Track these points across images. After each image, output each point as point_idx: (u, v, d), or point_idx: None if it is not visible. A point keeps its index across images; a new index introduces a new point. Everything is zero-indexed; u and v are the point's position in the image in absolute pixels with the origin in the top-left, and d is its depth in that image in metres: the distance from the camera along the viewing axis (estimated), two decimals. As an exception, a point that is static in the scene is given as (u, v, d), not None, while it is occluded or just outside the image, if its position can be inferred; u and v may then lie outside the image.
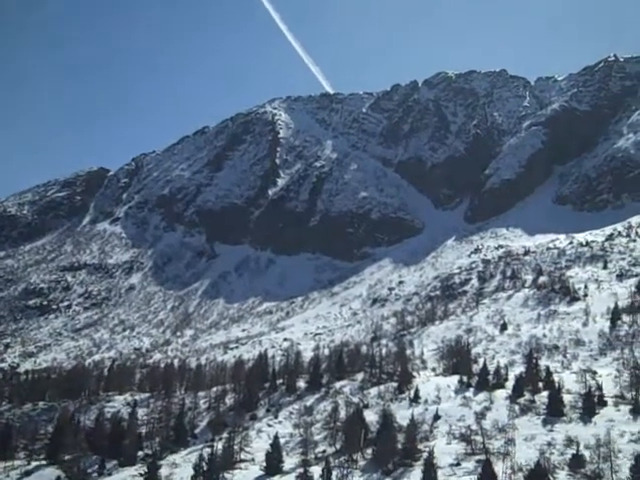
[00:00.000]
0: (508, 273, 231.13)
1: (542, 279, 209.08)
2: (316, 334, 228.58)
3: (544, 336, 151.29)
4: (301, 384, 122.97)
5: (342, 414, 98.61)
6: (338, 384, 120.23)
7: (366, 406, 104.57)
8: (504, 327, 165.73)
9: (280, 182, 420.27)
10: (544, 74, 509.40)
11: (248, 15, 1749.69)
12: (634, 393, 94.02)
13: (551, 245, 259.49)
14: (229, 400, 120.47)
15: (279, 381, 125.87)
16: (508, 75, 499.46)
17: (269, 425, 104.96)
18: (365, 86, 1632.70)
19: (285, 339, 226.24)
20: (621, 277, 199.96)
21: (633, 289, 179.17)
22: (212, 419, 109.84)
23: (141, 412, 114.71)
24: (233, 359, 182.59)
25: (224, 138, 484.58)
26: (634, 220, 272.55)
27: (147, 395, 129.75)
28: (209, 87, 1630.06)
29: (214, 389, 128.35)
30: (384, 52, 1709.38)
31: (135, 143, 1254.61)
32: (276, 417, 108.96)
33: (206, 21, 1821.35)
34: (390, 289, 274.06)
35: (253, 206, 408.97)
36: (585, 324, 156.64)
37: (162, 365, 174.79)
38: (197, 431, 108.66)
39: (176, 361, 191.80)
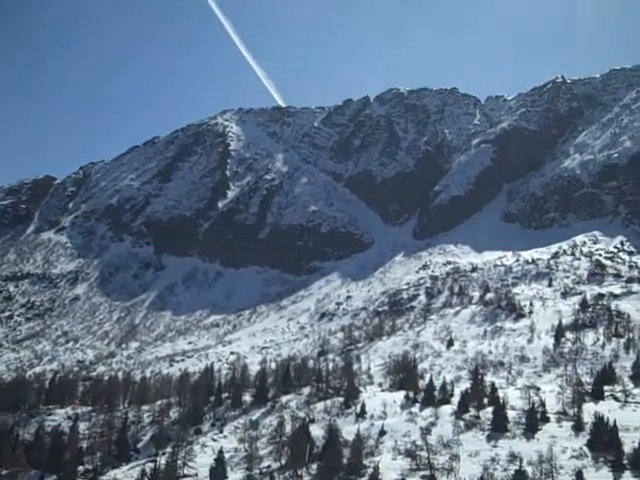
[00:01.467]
0: (456, 289, 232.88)
1: (489, 296, 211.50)
2: (263, 348, 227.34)
3: (490, 352, 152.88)
4: (247, 398, 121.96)
5: (288, 429, 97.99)
6: (284, 398, 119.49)
7: (312, 421, 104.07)
8: (451, 343, 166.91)
9: (230, 194, 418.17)
10: (494, 93, 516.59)
11: (202, 26, 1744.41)
12: (576, 409, 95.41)
13: (498, 262, 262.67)
14: (174, 414, 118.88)
15: (225, 395, 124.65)
16: (459, 93, 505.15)
17: (214, 439, 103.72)
18: (317, 100, 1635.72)
19: (232, 352, 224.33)
20: (565, 295, 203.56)
21: (577, 307, 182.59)
22: (156, 433, 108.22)
23: (83, 426, 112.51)
24: (179, 372, 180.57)
25: (174, 149, 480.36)
26: (579, 239, 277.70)
27: (89, 409, 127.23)
28: (160, 97, 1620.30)
29: (158, 403, 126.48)
30: (337, 67, 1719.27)
31: (83, 152, 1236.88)
32: (221, 431, 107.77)
33: (158, 31, 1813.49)
34: (338, 304, 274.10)
35: (202, 218, 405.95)
36: (530, 341, 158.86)
37: (106, 378, 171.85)
38: (140, 445, 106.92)
39: (120, 374, 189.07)
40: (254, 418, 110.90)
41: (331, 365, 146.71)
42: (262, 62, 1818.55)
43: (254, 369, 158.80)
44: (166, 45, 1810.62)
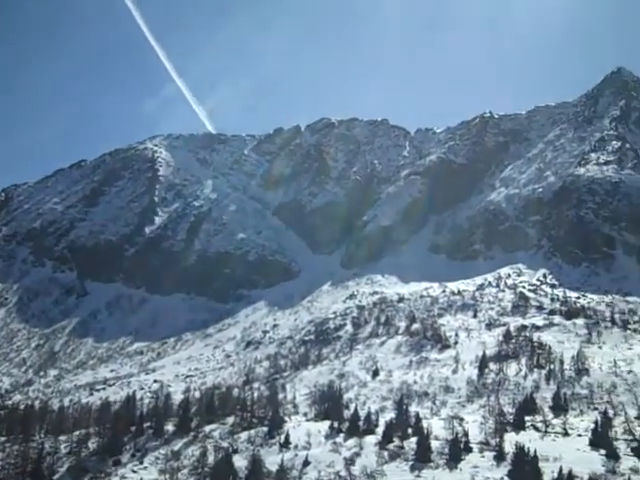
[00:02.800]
0: (382, 319, 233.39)
1: (415, 326, 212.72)
2: (187, 376, 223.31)
3: (415, 382, 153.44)
4: (169, 428, 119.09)
5: (210, 459, 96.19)
6: (208, 428, 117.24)
7: (235, 451, 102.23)
8: (376, 373, 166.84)
9: (157, 220, 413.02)
10: (423, 126, 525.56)
11: (134, 51, 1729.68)
12: (498, 439, 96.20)
13: (425, 293, 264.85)
14: (92, 444, 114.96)
15: (147, 424, 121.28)
16: (389, 124, 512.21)
17: (133, 471, 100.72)
18: (248, 128, 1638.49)
19: (155, 381, 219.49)
20: (490, 326, 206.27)
21: (500, 338, 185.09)
22: (72, 465, 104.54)
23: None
24: (99, 401, 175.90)
25: (101, 173, 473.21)
26: (503, 271, 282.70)
27: (3, 439, 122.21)
28: (88, 121, 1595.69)
29: (77, 433, 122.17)
30: (268, 95, 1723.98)
31: (5, 174, 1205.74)
32: (141, 462, 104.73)
33: (88, 52, 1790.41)
34: (264, 332, 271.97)
35: (128, 243, 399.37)
36: (455, 371, 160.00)
37: (22, 407, 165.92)
38: (56, 477, 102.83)
39: (37, 402, 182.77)
40: (176, 448, 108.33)
41: (256, 394, 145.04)
42: (194, 89, 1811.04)
43: (178, 398, 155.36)
44: (96, 68, 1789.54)
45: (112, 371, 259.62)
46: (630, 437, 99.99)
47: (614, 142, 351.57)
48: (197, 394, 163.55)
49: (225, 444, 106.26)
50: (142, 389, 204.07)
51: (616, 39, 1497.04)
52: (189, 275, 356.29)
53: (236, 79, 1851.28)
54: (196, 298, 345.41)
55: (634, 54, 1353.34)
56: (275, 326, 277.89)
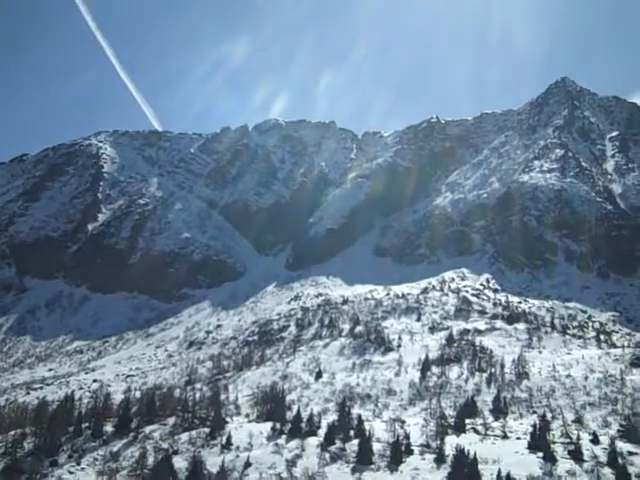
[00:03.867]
0: (326, 321, 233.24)
1: (359, 329, 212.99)
2: (128, 376, 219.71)
3: (358, 385, 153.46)
4: (109, 428, 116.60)
5: (150, 460, 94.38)
6: (148, 429, 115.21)
7: (176, 452, 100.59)
8: (319, 375, 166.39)
9: (101, 217, 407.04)
10: (371, 129, 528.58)
11: (81, 47, 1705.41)
12: (439, 442, 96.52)
13: (369, 296, 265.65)
14: (28, 445, 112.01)
15: (85, 425, 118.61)
16: (337, 127, 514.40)
17: (70, 472, 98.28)
18: (195, 127, 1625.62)
19: (95, 380, 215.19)
20: (433, 330, 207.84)
21: (443, 342, 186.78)
22: (7, 465, 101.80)
23: None
24: (36, 400, 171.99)
25: (44, 168, 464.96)
26: (447, 275, 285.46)
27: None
28: (31, 114, 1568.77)
29: (12, 433, 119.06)
30: (215, 95, 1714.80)
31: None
32: (79, 463, 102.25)
33: (33, 46, 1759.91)
34: (208, 332, 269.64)
35: (70, 240, 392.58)
36: (397, 374, 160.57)
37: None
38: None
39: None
40: (115, 449, 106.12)
41: (198, 395, 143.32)
42: (141, 86, 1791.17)
43: (118, 398, 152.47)
44: (41, 61, 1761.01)
45: (50, 370, 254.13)
46: (567, 440, 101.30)
47: (557, 150, 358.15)
48: (138, 394, 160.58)
49: (165, 445, 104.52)
50: (81, 389, 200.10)
51: (562, 50, 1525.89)
52: (132, 274, 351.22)
53: (184, 76, 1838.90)
54: (139, 297, 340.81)
55: (578, 64, 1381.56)
56: (219, 326, 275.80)
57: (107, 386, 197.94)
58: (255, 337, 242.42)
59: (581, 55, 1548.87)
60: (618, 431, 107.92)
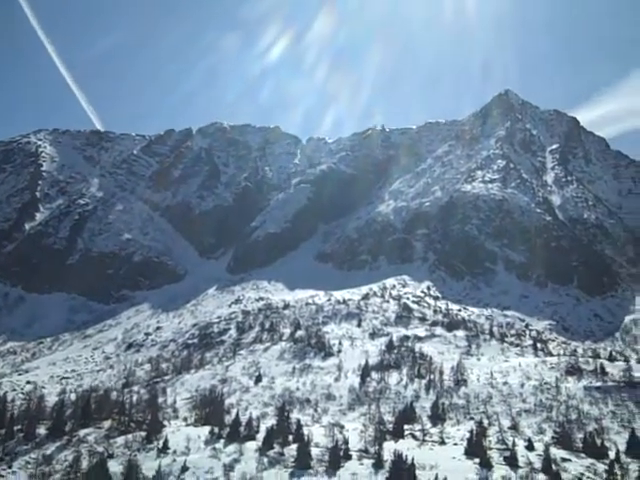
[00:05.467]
0: (267, 325, 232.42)
1: (299, 333, 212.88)
2: (64, 378, 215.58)
3: (297, 389, 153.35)
4: (42, 431, 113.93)
5: (84, 464, 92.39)
6: (83, 432, 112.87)
7: (111, 456, 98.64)
8: (259, 379, 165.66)
9: (39, 216, 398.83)
10: (315, 135, 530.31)
11: (20, 42, 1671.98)
12: (377, 447, 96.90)
13: (310, 301, 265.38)
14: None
15: (17, 427, 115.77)
16: (281, 132, 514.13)
17: (1, 475, 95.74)
18: (139, 128, 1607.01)
19: (28, 382, 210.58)
20: (373, 335, 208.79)
21: (383, 347, 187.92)
22: None
23: None
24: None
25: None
26: (388, 282, 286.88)
27: None
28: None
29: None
30: (161, 96, 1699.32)
31: None
32: (10, 467, 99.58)
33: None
34: (147, 334, 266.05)
35: (7, 239, 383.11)
36: (337, 379, 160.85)
37: None
38: None
39: None
40: (48, 452, 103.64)
41: (135, 398, 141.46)
42: (83, 84, 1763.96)
43: (52, 400, 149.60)
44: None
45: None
46: (503, 446, 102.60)
47: (499, 161, 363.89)
48: (73, 397, 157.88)
49: (100, 449, 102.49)
50: (14, 390, 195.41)
51: (505, 63, 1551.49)
52: (70, 274, 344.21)
53: (128, 77, 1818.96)
54: (77, 298, 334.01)
55: (521, 77, 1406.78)
56: (158, 328, 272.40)
57: (41, 388, 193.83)
58: (195, 340, 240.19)
59: (524, 69, 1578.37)
60: (552, 438, 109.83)
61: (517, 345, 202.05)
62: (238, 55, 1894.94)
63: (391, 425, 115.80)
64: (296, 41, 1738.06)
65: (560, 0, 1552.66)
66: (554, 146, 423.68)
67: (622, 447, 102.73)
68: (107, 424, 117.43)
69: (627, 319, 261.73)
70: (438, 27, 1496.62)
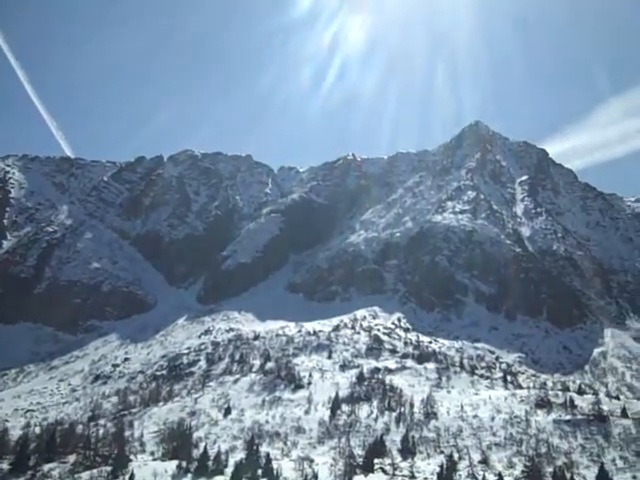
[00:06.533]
0: (237, 357, 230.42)
1: (269, 365, 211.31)
2: (28, 410, 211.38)
3: (267, 422, 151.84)
4: (4, 466, 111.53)
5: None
6: (47, 467, 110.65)
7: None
8: (228, 411, 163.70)
9: (6, 244, 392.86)
10: (287, 164, 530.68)
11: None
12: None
13: (281, 332, 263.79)
14: None
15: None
16: (253, 161, 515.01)
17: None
18: (109, 155, 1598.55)
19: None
20: (344, 367, 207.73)
21: (354, 380, 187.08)
22: None
23: None
24: None
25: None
26: (359, 313, 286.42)
27: None
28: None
29: None
30: (131, 123, 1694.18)
31: None
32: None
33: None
34: (115, 365, 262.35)
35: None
36: (307, 412, 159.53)
37: None
38: None
39: None
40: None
41: (102, 431, 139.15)
42: (53, 110, 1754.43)
43: (16, 434, 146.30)
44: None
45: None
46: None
47: (470, 192, 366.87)
48: (37, 430, 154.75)
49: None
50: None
51: (475, 94, 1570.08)
52: (37, 304, 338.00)
53: (98, 103, 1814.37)
54: (43, 328, 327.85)
55: (491, 108, 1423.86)
56: (126, 360, 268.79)
57: (4, 422, 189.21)
58: (164, 371, 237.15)
59: (494, 100, 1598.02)
60: (522, 472, 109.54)
61: (487, 378, 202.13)
62: (210, 85, 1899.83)
63: (361, 459, 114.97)
64: (264, 73, 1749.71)
65: (530, 32, 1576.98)
66: (524, 177, 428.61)
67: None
68: (72, 458, 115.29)
69: (595, 352, 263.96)
70: (409, 56, 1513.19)
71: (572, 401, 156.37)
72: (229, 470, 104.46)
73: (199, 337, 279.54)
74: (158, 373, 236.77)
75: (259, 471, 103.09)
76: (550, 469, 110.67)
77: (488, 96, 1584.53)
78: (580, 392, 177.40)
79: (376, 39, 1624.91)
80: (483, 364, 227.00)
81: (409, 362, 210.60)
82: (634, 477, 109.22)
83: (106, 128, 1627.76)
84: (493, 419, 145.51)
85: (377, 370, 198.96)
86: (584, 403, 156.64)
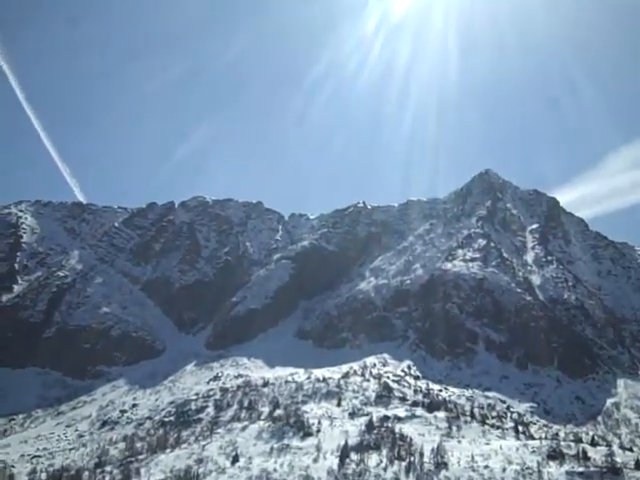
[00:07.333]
0: (245, 403, 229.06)
1: (278, 412, 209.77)
2: (35, 456, 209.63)
3: (275, 470, 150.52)
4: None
5: None
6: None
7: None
8: (236, 459, 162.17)
9: (17, 288, 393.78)
10: (298, 211, 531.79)
11: (4, 112, 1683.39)
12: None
13: (290, 378, 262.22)
14: None
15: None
16: (264, 207, 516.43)
17: None
18: (121, 201, 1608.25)
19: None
20: (353, 415, 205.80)
21: (363, 428, 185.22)
22: None
23: None
24: None
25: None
26: (369, 360, 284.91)
27: None
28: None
29: None
30: (143, 169, 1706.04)
31: None
32: None
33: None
34: (122, 411, 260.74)
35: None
36: (316, 460, 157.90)
37: None
38: None
39: None
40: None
41: (108, 478, 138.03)
42: (66, 154, 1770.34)
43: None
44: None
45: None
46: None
47: (480, 240, 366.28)
48: (44, 476, 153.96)
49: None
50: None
51: (485, 143, 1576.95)
52: (46, 348, 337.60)
53: (112, 149, 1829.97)
54: (51, 373, 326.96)
55: (501, 158, 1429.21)
56: (134, 406, 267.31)
57: (11, 467, 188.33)
58: (172, 418, 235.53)
59: (504, 148, 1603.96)
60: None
61: (498, 427, 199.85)
62: (220, 130, 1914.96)
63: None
64: (274, 121, 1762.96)
65: (540, 81, 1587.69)
66: (534, 226, 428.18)
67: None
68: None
69: (609, 402, 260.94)
70: (417, 104, 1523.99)
71: (585, 453, 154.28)
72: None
73: (208, 383, 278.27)
74: (166, 419, 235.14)
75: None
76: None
77: (499, 144, 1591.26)
78: (593, 443, 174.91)
79: (377, 89, 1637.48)
80: (494, 413, 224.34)
81: (419, 410, 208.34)
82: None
83: (118, 174, 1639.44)
84: (504, 470, 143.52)
85: (386, 418, 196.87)
86: (597, 455, 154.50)
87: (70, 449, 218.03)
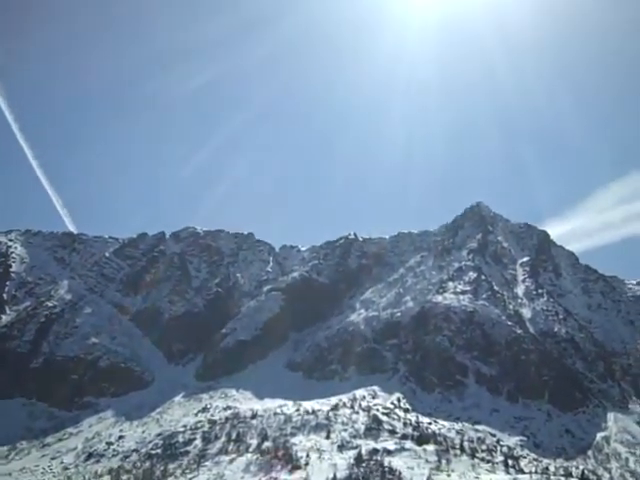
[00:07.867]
0: (233, 436, 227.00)
1: (266, 444, 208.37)
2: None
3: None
4: None
5: None
6: None
7: None
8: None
9: (5, 318, 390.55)
10: (289, 242, 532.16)
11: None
12: None
13: (279, 410, 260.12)
14: None
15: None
16: (254, 239, 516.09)
17: None
18: (112, 231, 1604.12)
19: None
20: (342, 448, 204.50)
21: (352, 461, 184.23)
22: None
23: None
24: None
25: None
26: (359, 393, 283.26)
27: None
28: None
29: None
30: (134, 199, 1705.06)
31: None
32: None
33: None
34: (109, 443, 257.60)
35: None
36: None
37: None
38: None
39: None
40: None
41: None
42: (57, 184, 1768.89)
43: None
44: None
45: None
46: None
47: (471, 273, 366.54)
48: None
49: None
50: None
51: (476, 176, 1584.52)
52: (32, 379, 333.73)
53: (104, 181, 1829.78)
54: (37, 404, 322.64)
55: (492, 191, 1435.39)
56: (121, 437, 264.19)
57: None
58: (159, 450, 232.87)
59: (495, 181, 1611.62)
60: None
61: (488, 461, 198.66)
62: (214, 164, 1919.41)
63: None
64: (270, 151, 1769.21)
65: (533, 114, 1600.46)
66: (525, 259, 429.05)
67: None
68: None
69: (599, 436, 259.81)
70: (409, 139, 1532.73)
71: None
72: None
73: (196, 415, 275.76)
74: (153, 452, 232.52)
75: None
76: None
77: (489, 177, 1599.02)
78: (583, 478, 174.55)
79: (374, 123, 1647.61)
80: (484, 447, 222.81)
81: (408, 443, 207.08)
82: None
83: (110, 205, 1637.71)
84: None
85: (376, 451, 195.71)
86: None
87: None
